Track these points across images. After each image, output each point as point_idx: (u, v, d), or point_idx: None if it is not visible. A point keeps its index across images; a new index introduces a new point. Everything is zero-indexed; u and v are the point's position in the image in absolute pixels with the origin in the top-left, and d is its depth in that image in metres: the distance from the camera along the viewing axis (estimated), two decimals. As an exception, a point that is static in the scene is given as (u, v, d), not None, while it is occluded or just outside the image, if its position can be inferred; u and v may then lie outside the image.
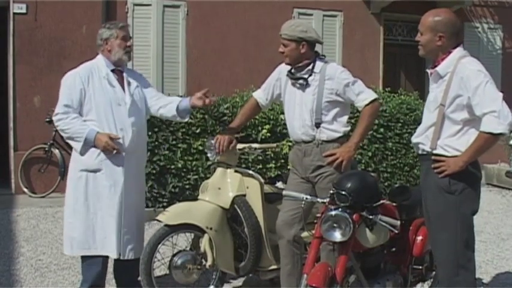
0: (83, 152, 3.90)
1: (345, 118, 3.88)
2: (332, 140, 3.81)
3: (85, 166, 3.93)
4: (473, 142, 3.08)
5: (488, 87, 3.03)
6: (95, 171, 3.91)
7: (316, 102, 3.79)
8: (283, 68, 4.02)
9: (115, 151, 3.87)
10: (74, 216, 3.96)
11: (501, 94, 3.03)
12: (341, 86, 3.77)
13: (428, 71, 3.31)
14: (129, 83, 4.07)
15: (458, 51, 3.19)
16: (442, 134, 3.16)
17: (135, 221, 4.03)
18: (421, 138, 3.26)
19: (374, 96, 3.84)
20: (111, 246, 3.91)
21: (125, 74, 4.09)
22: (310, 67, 3.84)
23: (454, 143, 3.13)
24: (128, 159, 3.97)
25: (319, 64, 3.86)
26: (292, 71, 3.91)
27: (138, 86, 4.13)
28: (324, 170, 3.78)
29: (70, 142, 3.97)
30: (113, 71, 4.03)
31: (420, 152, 3.28)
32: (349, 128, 3.91)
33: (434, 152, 3.17)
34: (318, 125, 3.80)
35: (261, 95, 4.18)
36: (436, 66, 3.23)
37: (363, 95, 3.80)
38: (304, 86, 3.83)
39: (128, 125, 3.97)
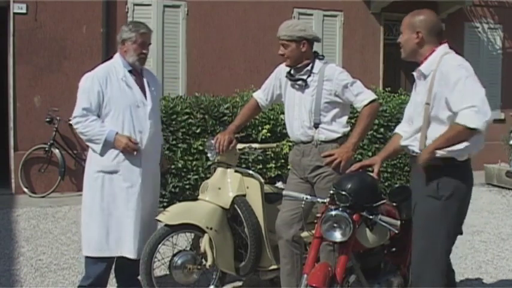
0: (102, 153, 3.90)
1: (345, 119, 3.88)
2: (331, 141, 3.81)
3: (102, 167, 3.93)
4: (445, 132, 2.98)
5: (469, 82, 2.93)
6: (111, 172, 3.92)
7: (315, 103, 3.79)
8: (283, 69, 4.02)
9: (135, 152, 3.88)
10: (90, 217, 3.97)
11: (483, 90, 2.93)
12: (340, 87, 3.77)
13: (414, 73, 3.25)
14: (148, 84, 4.07)
15: (441, 49, 3.14)
16: (430, 135, 3.08)
17: (150, 220, 4.05)
18: (410, 140, 3.21)
19: (373, 96, 3.83)
20: (128, 247, 3.92)
21: (143, 76, 4.08)
22: (309, 67, 3.84)
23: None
24: (145, 161, 3.98)
25: (318, 64, 3.85)
26: (292, 72, 3.91)
27: (155, 89, 4.13)
28: (323, 170, 3.78)
29: (89, 144, 3.95)
30: (130, 71, 4.01)
31: (411, 153, 3.23)
32: (348, 129, 3.90)
33: None
34: (316, 126, 3.80)
35: (261, 96, 4.18)
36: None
37: (362, 96, 3.80)
38: (303, 87, 3.83)
39: (146, 127, 3.98)
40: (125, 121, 3.91)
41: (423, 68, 3.14)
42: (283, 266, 3.89)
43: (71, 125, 8.63)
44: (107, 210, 3.92)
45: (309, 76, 3.82)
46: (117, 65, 4.00)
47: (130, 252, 3.93)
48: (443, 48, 3.15)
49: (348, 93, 3.78)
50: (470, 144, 3.02)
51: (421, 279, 3.12)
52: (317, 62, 3.86)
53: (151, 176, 4.07)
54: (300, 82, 3.84)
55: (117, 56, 4.05)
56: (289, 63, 3.87)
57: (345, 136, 3.87)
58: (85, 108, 3.88)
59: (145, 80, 4.07)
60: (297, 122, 3.88)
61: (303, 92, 3.85)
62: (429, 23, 3.14)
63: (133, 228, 3.92)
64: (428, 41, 3.14)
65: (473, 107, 2.86)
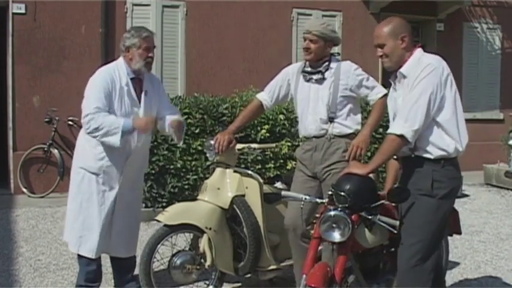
0: (122, 143, 3.82)
1: (358, 116, 4.01)
2: (344, 135, 3.91)
3: (85, 166, 3.95)
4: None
5: (421, 84, 3.03)
6: (93, 173, 3.94)
7: (332, 96, 3.89)
8: (291, 69, 4.15)
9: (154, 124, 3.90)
10: (69, 205, 4.06)
11: (426, 97, 3.00)
12: (356, 81, 3.91)
13: (392, 79, 3.30)
14: (146, 93, 4.03)
15: (419, 52, 3.20)
16: (420, 135, 3.10)
17: (127, 224, 4.06)
18: None
19: (385, 91, 3.97)
20: (89, 246, 3.95)
21: (144, 84, 4.05)
22: (326, 63, 3.96)
23: (433, 143, 3.11)
24: (126, 171, 4.00)
25: (334, 61, 4.00)
26: (307, 69, 4.00)
27: (153, 97, 4.10)
28: (334, 167, 3.86)
29: (106, 139, 3.80)
30: (132, 79, 3.98)
31: (401, 154, 3.27)
32: (360, 127, 4.00)
33: (416, 154, 3.16)
34: (331, 120, 3.91)
35: (265, 97, 4.24)
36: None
37: (376, 89, 3.97)
38: (321, 80, 3.94)
39: (134, 138, 3.96)
40: None
41: (404, 70, 3.19)
42: (296, 261, 3.96)
43: (70, 125, 8.66)
44: (79, 206, 3.96)
45: (327, 70, 3.94)
46: (121, 70, 3.96)
47: (89, 252, 3.96)
48: (420, 51, 3.22)
49: (363, 87, 3.94)
50: (455, 140, 3.11)
51: (408, 277, 3.14)
52: (333, 59, 4.01)
53: (131, 186, 4.07)
54: (318, 75, 3.94)
55: (121, 62, 4.00)
56: (310, 58, 3.96)
57: (356, 133, 3.96)
58: (97, 107, 3.80)
59: (143, 91, 4.03)
60: (312, 116, 3.96)
61: (320, 84, 3.94)
62: (405, 26, 3.22)
63: (99, 230, 3.94)
64: (410, 44, 3.20)
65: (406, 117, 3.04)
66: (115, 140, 3.78)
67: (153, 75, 4.35)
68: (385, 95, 3.91)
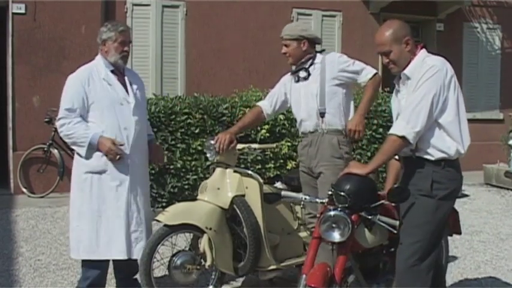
0: (88, 156, 3.89)
1: (349, 109, 4.06)
2: (335, 130, 3.98)
3: (90, 168, 3.91)
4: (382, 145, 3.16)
5: (425, 86, 3.02)
6: (100, 172, 3.91)
7: (320, 88, 3.98)
8: (287, 76, 4.27)
9: (118, 157, 3.86)
10: (80, 219, 3.94)
11: (430, 97, 3.00)
12: (342, 69, 3.98)
13: (396, 81, 3.30)
14: (130, 83, 4.07)
15: (423, 53, 3.19)
16: (421, 137, 3.10)
17: (143, 219, 4.04)
18: None
19: (375, 71, 4.06)
20: (118, 248, 3.91)
21: (126, 75, 4.09)
22: (310, 60, 4.06)
23: (434, 145, 3.11)
24: (132, 159, 3.98)
25: (319, 56, 4.08)
26: (294, 70, 4.13)
27: (138, 87, 4.14)
28: (326, 163, 3.93)
29: (74, 147, 3.94)
30: (112, 71, 4.02)
31: (402, 155, 3.27)
32: None
33: (417, 154, 3.16)
34: (322, 115, 3.98)
35: (265, 103, 4.36)
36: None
37: (365, 71, 4.04)
38: (307, 76, 4.04)
39: (131, 124, 3.97)
40: (109, 119, 3.90)
41: (408, 71, 3.18)
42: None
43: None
44: (97, 212, 3.90)
45: (311, 65, 4.04)
46: (98, 65, 4.02)
47: (120, 253, 3.92)
48: (424, 52, 3.20)
49: (350, 71, 4.00)
50: (456, 142, 3.11)
51: (406, 276, 3.14)
52: (318, 55, 4.09)
53: (139, 174, 4.06)
54: (303, 73, 4.05)
55: (98, 57, 4.07)
56: (291, 61, 4.11)
57: None
58: (67, 109, 3.90)
59: (127, 79, 4.07)
60: (305, 111, 4.06)
61: (307, 79, 4.04)
62: (407, 28, 3.20)
63: (124, 227, 3.91)
64: (413, 45, 3.19)
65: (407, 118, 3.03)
66: (81, 151, 3.91)
67: (134, 72, 4.38)
68: (375, 75, 4.01)
